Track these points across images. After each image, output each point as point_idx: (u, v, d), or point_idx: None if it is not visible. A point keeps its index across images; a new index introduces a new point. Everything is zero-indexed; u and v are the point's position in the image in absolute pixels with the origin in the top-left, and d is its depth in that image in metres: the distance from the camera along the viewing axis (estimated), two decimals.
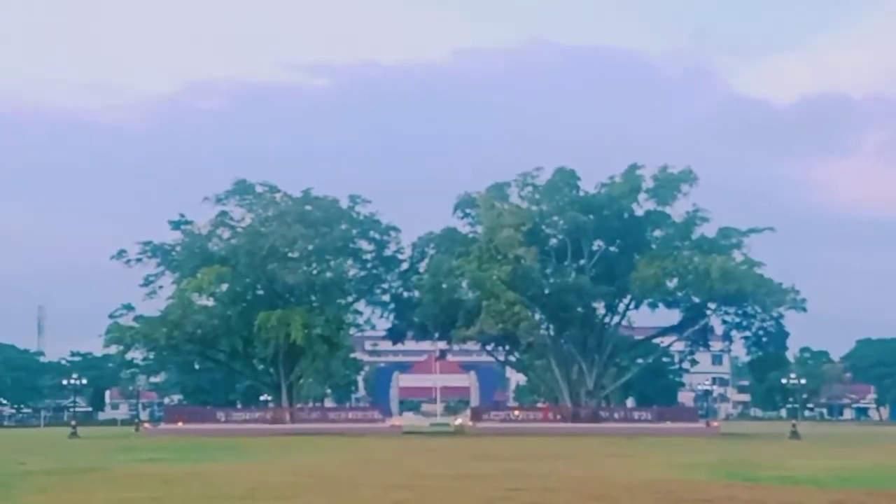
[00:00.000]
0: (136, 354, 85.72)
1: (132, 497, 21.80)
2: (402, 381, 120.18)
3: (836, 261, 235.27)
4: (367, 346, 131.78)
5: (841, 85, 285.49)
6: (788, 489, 24.30)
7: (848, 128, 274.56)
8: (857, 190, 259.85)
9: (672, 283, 78.14)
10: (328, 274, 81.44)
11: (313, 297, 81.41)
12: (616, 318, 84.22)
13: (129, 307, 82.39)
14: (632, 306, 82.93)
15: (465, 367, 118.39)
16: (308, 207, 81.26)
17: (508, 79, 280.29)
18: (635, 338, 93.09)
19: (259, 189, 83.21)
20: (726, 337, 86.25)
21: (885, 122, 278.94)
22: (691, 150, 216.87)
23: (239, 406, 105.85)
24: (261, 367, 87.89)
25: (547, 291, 79.57)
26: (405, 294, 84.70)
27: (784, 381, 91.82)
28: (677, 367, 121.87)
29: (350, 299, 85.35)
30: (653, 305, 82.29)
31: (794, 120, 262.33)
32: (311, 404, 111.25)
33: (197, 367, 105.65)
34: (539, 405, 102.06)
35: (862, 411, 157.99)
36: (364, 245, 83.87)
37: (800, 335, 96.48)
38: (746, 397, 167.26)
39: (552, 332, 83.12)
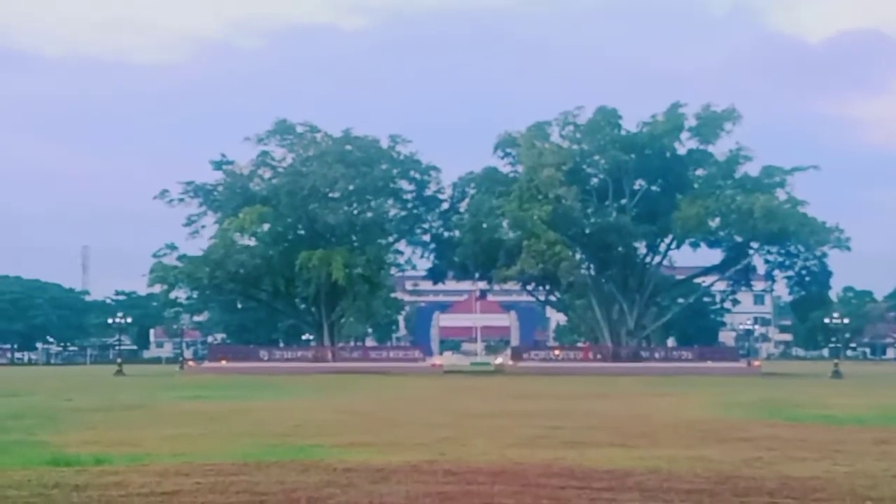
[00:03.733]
0: (179, 293, 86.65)
1: (179, 433, 22.08)
2: (443, 320, 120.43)
3: (880, 199, 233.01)
4: (408, 285, 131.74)
5: (877, 21, 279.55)
6: (831, 428, 24.21)
7: (885, 65, 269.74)
8: None
9: (714, 223, 77.81)
10: (369, 214, 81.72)
11: (354, 237, 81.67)
12: (657, 258, 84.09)
13: (173, 247, 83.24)
14: (673, 246, 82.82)
15: (506, 307, 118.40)
16: (348, 147, 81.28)
17: (549, 16, 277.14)
18: (676, 277, 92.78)
19: (299, 129, 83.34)
20: (769, 276, 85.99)
21: None
22: (729, 88, 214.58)
23: (281, 345, 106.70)
24: (302, 306, 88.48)
25: (588, 231, 79.39)
26: (445, 234, 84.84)
27: (827, 320, 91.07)
28: (719, 306, 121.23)
29: (391, 239, 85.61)
30: (695, 245, 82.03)
31: (830, 57, 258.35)
32: (352, 343, 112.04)
33: (239, 306, 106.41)
34: (579, 345, 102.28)
35: None
36: (404, 185, 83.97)
37: (843, 274, 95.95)
38: (788, 337, 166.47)
39: (593, 272, 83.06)
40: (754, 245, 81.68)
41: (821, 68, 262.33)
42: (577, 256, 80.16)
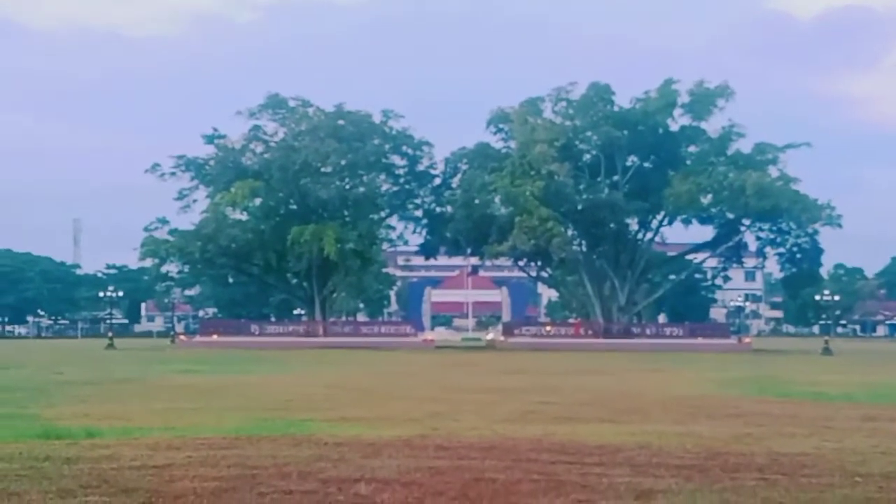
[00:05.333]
0: (171, 267, 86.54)
1: (170, 407, 22.10)
2: (435, 296, 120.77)
3: (872, 177, 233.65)
4: (400, 261, 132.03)
5: None
6: (821, 404, 24.31)
7: (874, 40, 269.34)
8: (887, 105, 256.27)
9: (706, 199, 77.84)
10: (361, 189, 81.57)
11: (346, 212, 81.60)
12: (649, 235, 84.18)
13: (164, 221, 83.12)
14: (665, 222, 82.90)
15: (497, 283, 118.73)
16: (341, 122, 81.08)
17: None
18: (668, 254, 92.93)
19: (292, 103, 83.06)
20: (760, 253, 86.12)
21: None
22: (721, 65, 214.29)
23: (273, 319, 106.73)
24: (294, 281, 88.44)
25: (580, 207, 79.35)
26: (438, 209, 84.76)
27: (817, 297, 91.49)
28: (710, 283, 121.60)
29: (383, 214, 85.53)
30: (686, 222, 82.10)
31: (821, 33, 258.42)
32: (343, 318, 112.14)
33: (231, 280, 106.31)
34: (571, 321, 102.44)
35: (895, 328, 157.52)
36: (397, 160, 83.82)
37: (834, 252, 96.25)
38: (779, 314, 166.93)
39: (584, 248, 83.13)
40: (746, 222, 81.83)
41: (812, 45, 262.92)
42: (569, 233, 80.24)
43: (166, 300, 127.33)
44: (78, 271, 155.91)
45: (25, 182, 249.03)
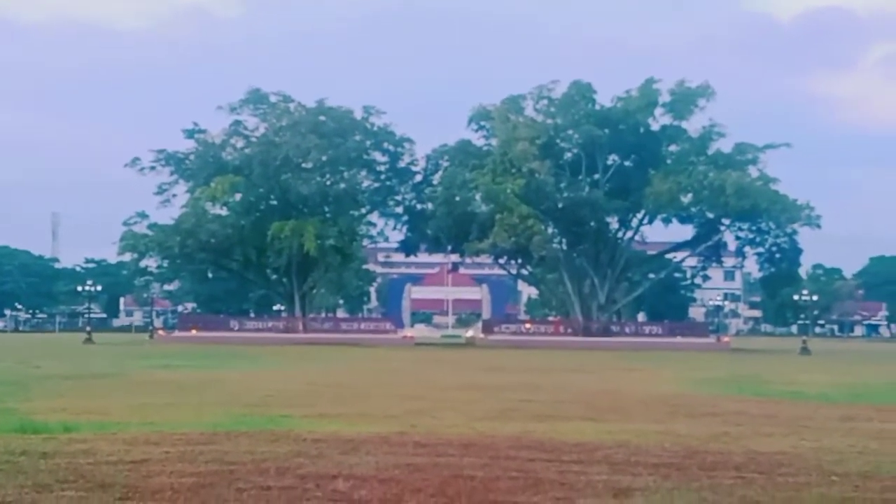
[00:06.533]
0: (150, 262, 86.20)
1: (148, 402, 22.02)
2: (415, 292, 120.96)
3: (851, 178, 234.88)
4: (380, 257, 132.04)
5: None
6: (799, 404, 24.42)
7: (853, 42, 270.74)
8: (866, 106, 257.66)
9: (686, 199, 78.11)
10: (342, 185, 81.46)
11: (326, 208, 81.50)
12: (629, 233, 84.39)
13: (144, 215, 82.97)
14: (645, 221, 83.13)
15: (477, 280, 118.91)
16: (322, 118, 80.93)
17: None
18: (648, 253, 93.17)
19: (273, 99, 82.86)
20: (739, 253, 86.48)
21: (889, 37, 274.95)
22: (702, 66, 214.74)
23: (252, 315, 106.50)
24: (274, 276, 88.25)
25: (560, 205, 79.46)
26: (418, 206, 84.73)
27: (796, 297, 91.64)
28: (689, 282, 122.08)
29: (363, 211, 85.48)
30: (666, 221, 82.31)
31: (801, 34, 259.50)
32: (323, 314, 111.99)
33: (210, 275, 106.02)
34: (550, 319, 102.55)
35: (873, 328, 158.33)
36: (378, 156, 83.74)
37: (813, 252, 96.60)
38: (757, 313, 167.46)
39: (565, 246, 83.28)
40: (725, 221, 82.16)
41: (792, 46, 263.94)
42: (550, 230, 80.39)
43: (145, 295, 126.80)
44: (56, 265, 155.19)
45: (3, 175, 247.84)
